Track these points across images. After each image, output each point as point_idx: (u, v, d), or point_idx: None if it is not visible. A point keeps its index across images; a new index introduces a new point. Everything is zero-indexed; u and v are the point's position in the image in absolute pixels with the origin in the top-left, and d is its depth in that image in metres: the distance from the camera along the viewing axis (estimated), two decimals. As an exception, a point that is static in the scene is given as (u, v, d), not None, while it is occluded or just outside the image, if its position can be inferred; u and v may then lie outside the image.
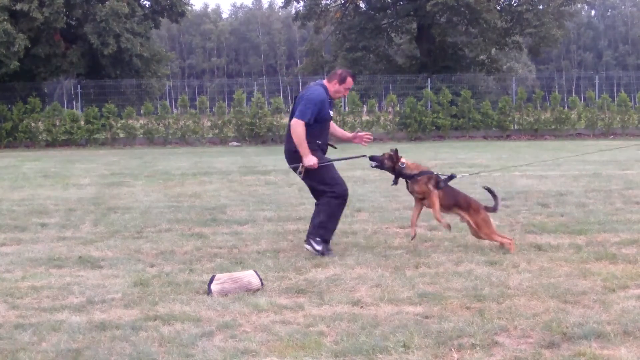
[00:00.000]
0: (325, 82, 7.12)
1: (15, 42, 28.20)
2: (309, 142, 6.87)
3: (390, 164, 7.17)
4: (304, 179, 7.07)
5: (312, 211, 9.34)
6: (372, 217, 9.06)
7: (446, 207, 7.15)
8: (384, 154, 7.30)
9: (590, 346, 4.27)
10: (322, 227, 6.85)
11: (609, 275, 5.85)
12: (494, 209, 7.25)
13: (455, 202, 7.12)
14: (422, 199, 7.14)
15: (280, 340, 4.48)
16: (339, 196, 6.92)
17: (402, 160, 7.18)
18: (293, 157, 7.01)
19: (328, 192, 6.92)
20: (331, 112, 7.14)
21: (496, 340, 4.43)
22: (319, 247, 6.77)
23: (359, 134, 7.38)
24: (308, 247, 6.85)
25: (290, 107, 7.80)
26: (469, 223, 7.10)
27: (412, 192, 7.21)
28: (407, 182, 7.16)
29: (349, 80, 7.03)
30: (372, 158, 7.30)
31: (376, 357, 4.18)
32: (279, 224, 8.62)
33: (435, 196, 7.02)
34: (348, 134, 7.51)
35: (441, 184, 7.06)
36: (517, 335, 4.52)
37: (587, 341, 4.34)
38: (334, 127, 7.40)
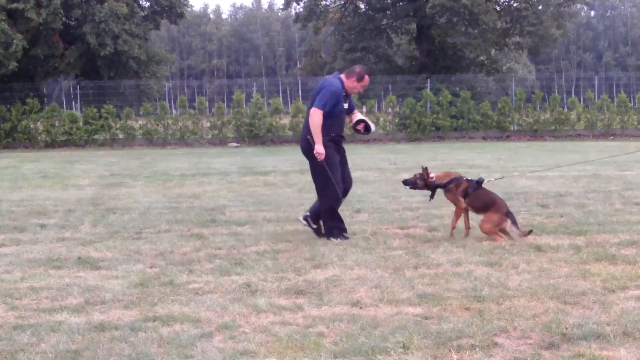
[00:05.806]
0: (342, 76, 7.60)
1: (13, 42, 28.18)
2: (322, 134, 7.37)
3: (423, 183, 7.74)
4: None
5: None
6: (371, 217, 9.06)
7: (476, 209, 7.56)
8: (415, 175, 7.86)
9: (589, 347, 4.26)
10: (334, 227, 7.54)
11: (608, 276, 5.84)
12: (514, 222, 7.37)
13: (484, 204, 7.44)
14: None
15: (279, 341, 4.47)
16: (328, 209, 7.53)
17: (432, 175, 7.71)
18: (307, 143, 7.49)
19: (320, 198, 7.61)
20: (345, 105, 7.63)
21: (496, 341, 4.42)
22: (339, 240, 7.40)
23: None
24: (332, 239, 7.44)
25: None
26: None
27: (449, 200, 7.77)
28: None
29: (366, 78, 7.60)
30: (405, 182, 7.91)
31: (375, 357, 4.17)
32: (278, 225, 8.61)
33: (461, 208, 7.53)
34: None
35: (470, 190, 7.48)
36: (516, 336, 4.51)
37: (586, 342, 4.34)
38: (356, 114, 7.90)
